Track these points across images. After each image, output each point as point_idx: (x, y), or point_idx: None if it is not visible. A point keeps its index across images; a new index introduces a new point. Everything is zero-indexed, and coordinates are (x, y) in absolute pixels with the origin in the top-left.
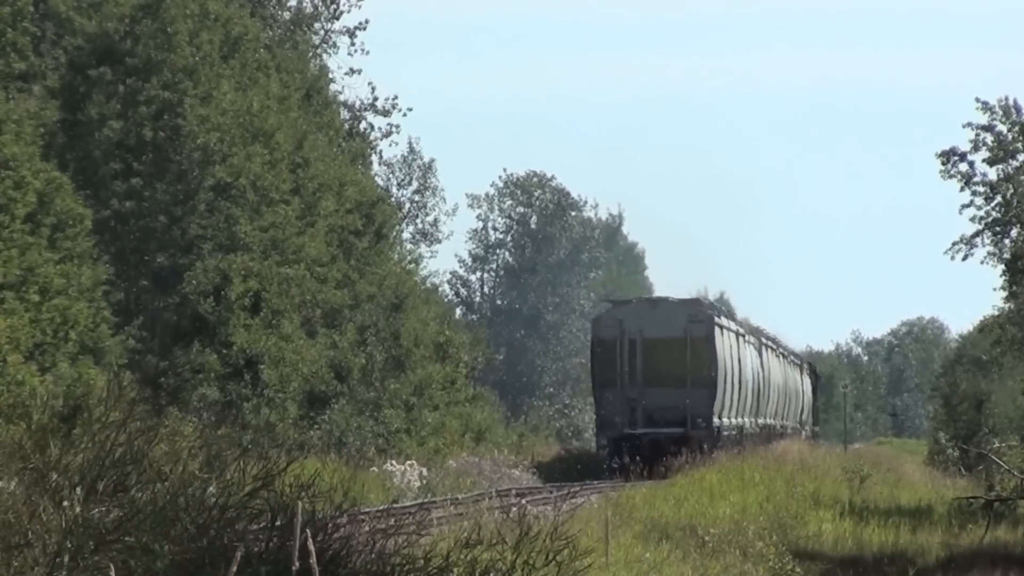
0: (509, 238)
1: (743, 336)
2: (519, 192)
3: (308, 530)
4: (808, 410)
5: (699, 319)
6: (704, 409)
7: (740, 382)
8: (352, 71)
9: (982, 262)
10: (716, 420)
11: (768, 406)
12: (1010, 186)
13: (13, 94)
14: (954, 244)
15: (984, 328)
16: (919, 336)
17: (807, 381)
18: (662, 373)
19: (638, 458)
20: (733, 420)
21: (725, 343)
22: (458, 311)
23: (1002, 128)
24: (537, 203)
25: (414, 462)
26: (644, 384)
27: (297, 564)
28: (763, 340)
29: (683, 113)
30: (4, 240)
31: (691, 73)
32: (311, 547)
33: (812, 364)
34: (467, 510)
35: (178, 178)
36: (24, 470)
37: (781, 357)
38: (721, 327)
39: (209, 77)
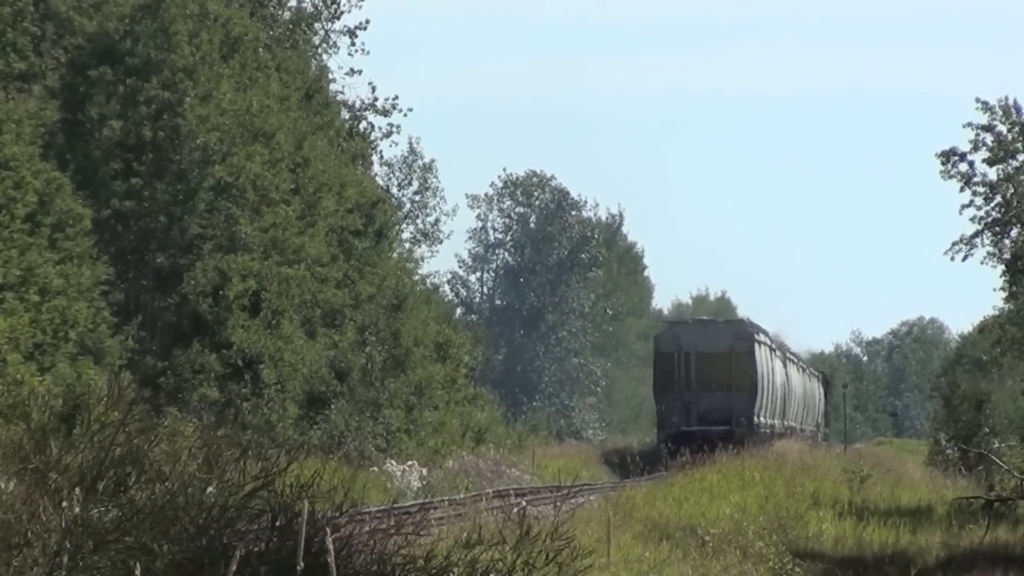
0: (509, 238)
1: (774, 350)
2: (519, 192)
3: (328, 528)
4: (821, 414)
5: (742, 336)
6: (746, 410)
7: (772, 389)
8: (352, 71)
9: (982, 262)
10: (755, 420)
11: (791, 410)
12: (1010, 186)
13: (13, 94)
14: (954, 244)
15: (984, 328)
16: (919, 336)
17: (820, 389)
18: (712, 381)
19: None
20: (767, 420)
21: (762, 356)
22: (458, 311)
23: (1002, 128)
24: (537, 203)
25: (414, 462)
26: (697, 390)
27: (302, 564)
28: (787, 354)
29: (682, 112)
30: (4, 240)
31: (691, 73)
32: (330, 545)
33: (825, 374)
34: (467, 510)
35: (178, 178)
36: (24, 470)
37: (801, 369)
38: (759, 343)
39: (209, 77)
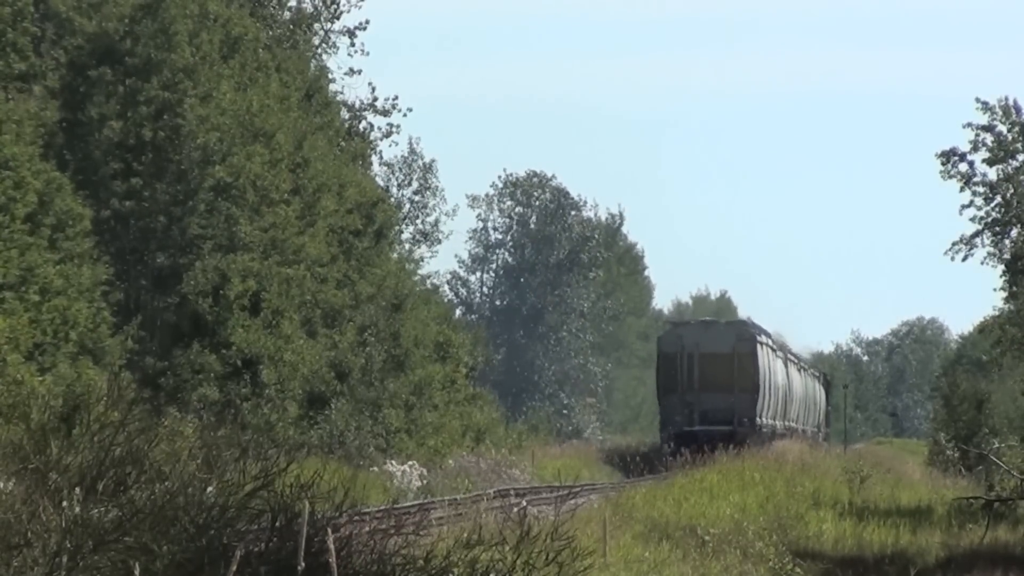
0: (509, 238)
1: (775, 351)
2: (519, 192)
3: (328, 528)
4: (822, 415)
5: (745, 337)
6: (748, 410)
7: (774, 390)
8: (352, 71)
9: (982, 262)
10: (757, 420)
11: (792, 410)
12: (1010, 186)
13: (13, 94)
14: (954, 244)
15: (984, 329)
16: (919, 336)
17: (821, 390)
18: (714, 381)
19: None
20: (769, 420)
21: (764, 358)
22: (458, 311)
23: (1002, 128)
24: (537, 203)
25: (414, 462)
26: (700, 390)
27: (303, 564)
28: (788, 354)
29: (682, 113)
30: (4, 240)
31: (691, 73)
32: (331, 545)
33: (825, 374)
34: (467, 510)
35: (178, 178)
36: (24, 470)
37: (801, 369)
38: (761, 344)
39: (209, 77)
